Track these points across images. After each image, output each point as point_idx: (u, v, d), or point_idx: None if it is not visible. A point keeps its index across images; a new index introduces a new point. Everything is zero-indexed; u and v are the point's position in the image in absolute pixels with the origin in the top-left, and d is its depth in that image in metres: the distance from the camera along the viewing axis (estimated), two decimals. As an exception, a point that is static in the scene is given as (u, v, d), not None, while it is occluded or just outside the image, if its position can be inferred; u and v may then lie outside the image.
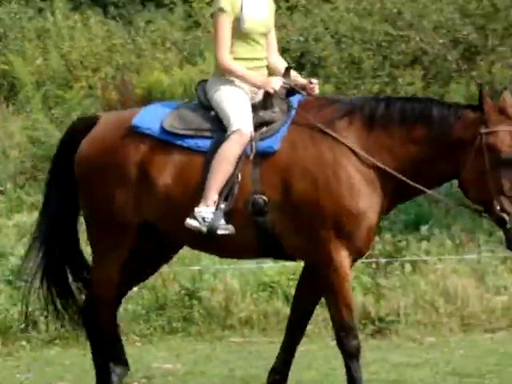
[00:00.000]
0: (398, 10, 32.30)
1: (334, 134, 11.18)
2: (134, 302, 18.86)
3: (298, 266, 17.05)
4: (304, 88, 11.71)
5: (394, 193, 11.32)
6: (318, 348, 16.41)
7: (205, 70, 28.98)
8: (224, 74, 11.62)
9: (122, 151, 11.75)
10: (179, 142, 11.49)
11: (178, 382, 15.13)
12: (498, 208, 10.87)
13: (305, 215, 11.26)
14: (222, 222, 11.23)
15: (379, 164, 11.14)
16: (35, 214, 16.16)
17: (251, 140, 11.28)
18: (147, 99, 25.41)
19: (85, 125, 12.38)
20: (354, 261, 11.53)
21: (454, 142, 11.07)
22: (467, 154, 10.99)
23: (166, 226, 11.73)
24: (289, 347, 12.07)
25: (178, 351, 16.71)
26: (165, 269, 17.31)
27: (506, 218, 10.85)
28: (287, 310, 17.42)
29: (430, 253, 19.55)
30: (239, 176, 11.26)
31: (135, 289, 17.03)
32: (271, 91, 11.44)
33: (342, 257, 11.21)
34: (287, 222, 11.26)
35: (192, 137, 11.50)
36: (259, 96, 11.57)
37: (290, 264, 17.33)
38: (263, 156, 11.31)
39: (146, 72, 28.91)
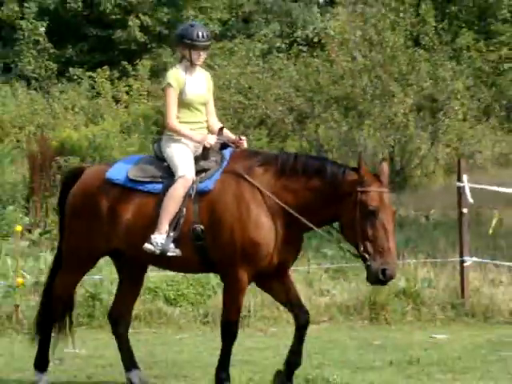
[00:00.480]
0: (249, 85, 32.54)
1: (250, 179, 11.11)
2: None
3: (176, 274, 17.17)
4: (234, 142, 11.61)
5: (294, 226, 11.12)
6: (188, 336, 16.44)
7: (104, 128, 28.80)
8: (173, 134, 11.52)
9: (98, 197, 11.65)
10: (140, 187, 11.43)
11: (83, 363, 14.63)
12: (362, 249, 10.75)
13: (224, 240, 11.15)
14: (172, 246, 11.15)
15: (282, 204, 11.02)
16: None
17: (193, 183, 11.22)
18: (60, 150, 25.18)
19: (75, 173, 12.34)
20: (261, 273, 11.38)
21: (339, 194, 10.89)
22: (346, 205, 10.83)
23: (132, 252, 11.63)
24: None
25: (84, 339, 16.46)
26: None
27: (367, 256, 10.71)
28: (167, 309, 17.63)
29: (272, 266, 19.71)
30: (184, 211, 11.14)
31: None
32: (208, 146, 11.33)
33: (243, 275, 11.19)
34: (216, 245, 11.15)
35: (150, 182, 11.44)
36: (200, 150, 11.44)
37: (169, 273, 17.33)
38: (201, 194, 11.20)
39: (59, 130, 28.70)
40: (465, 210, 17.24)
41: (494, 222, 19.77)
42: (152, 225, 11.20)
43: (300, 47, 35.05)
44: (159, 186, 11.36)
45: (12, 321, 17.00)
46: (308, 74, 32.29)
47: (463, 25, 36.60)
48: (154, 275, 18.17)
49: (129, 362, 12.23)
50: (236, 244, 11.02)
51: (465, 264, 17.74)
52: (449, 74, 31.87)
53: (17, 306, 17.01)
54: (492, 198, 22.50)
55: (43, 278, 17.35)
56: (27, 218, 21.29)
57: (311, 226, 11.06)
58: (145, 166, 11.60)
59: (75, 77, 34.83)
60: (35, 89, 34.03)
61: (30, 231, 20.57)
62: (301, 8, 40.84)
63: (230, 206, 11.10)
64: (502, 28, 36.99)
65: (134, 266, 12.10)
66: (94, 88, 33.73)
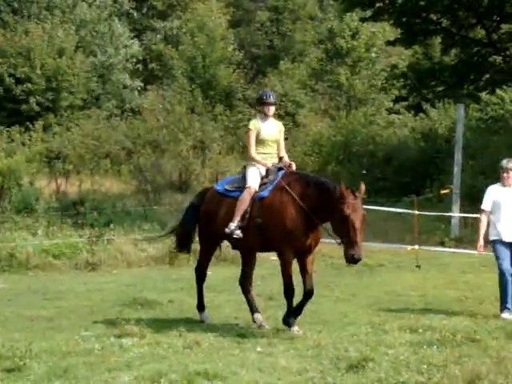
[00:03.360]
0: (99, 135, 32.31)
1: (289, 190, 10.15)
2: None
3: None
4: (287, 165, 10.67)
5: (312, 220, 10.00)
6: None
7: (16, 159, 27.79)
8: (251, 161, 10.73)
9: (212, 200, 10.87)
10: (230, 194, 10.64)
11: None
12: (341, 241, 9.69)
13: (274, 230, 10.17)
14: (237, 231, 10.33)
15: (304, 206, 9.97)
16: None
17: (256, 192, 10.45)
18: None
19: (206, 189, 11.60)
20: (297, 253, 10.26)
21: (332, 203, 9.73)
22: (334, 210, 9.67)
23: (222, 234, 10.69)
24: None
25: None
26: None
27: (344, 246, 9.60)
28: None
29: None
30: (249, 209, 10.36)
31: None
32: (268, 166, 10.56)
33: (288, 253, 10.15)
34: (271, 233, 10.21)
35: (233, 191, 10.66)
36: (264, 171, 10.62)
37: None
38: (261, 199, 10.35)
39: None
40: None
41: (447, 190, 20.10)
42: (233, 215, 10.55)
43: (128, 113, 35.21)
44: (239, 193, 10.61)
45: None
46: (133, 128, 32.25)
47: (217, 102, 37.36)
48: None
49: (254, 307, 10.93)
50: (279, 233, 10.11)
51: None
52: (211, 128, 32.34)
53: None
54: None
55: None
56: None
57: (318, 221, 10.08)
58: (234, 182, 10.95)
59: (-1, 131, 33.79)
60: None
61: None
62: (127, 93, 40.74)
63: (276, 207, 10.24)
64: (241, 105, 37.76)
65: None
66: (9, 137, 32.65)
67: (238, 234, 10.41)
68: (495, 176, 12.07)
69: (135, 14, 47.80)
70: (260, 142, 10.80)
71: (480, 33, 29.48)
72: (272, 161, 10.83)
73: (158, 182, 29.37)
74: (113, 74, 40.66)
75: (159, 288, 14.11)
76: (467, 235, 19.33)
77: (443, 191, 20.16)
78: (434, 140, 29.97)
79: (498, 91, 30.33)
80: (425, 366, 7.86)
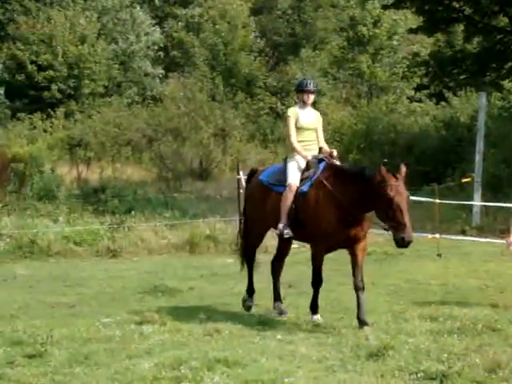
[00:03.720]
0: (120, 122, 32.40)
1: (327, 185, 9.80)
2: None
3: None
4: (328, 154, 10.39)
5: (352, 214, 9.61)
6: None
7: (37, 146, 28.10)
8: (291, 149, 10.42)
9: (255, 190, 10.78)
10: (274, 188, 10.34)
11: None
12: (389, 225, 9.29)
13: (311, 225, 9.91)
14: (286, 231, 10.11)
15: (343, 201, 9.58)
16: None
17: (298, 188, 10.09)
18: (13, 159, 24.23)
19: (254, 170, 11.23)
20: (343, 244, 9.98)
21: (373, 189, 9.41)
22: (377, 196, 9.35)
23: (273, 226, 10.48)
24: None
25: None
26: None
27: (392, 230, 9.26)
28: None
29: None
30: (293, 205, 10.05)
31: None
32: (308, 159, 10.20)
33: (320, 246, 9.97)
34: (310, 227, 9.90)
35: (277, 185, 10.33)
36: (304, 164, 10.26)
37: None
38: (301, 195, 10.00)
39: (12, 147, 27.36)
40: (241, 191, 16.69)
41: (469, 179, 19.89)
42: (279, 210, 10.27)
43: (149, 101, 35.20)
44: (282, 188, 10.29)
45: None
46: (154, 115, 32.28)
47: (238, 90, 37.33)
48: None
49: (277, 294, 10.80)
50: (315, 228, 9.81)
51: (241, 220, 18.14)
52: (232, 116, 32.39)
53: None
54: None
55: (4, 231, 17.11)
56: (-6, 198, 20.81)
57: (359, 213, 9.74)
58: (275, 174, 10.67)
59: (21, 118, 33.93)
60: (-2, 125, 33.20)
61: (-5, 205, 20.25)
62: (148, 80, 40.73)
63: (315, 202, 9.90)
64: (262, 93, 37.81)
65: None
66: (31, 124, 32.93)
67: (289, 233, 10.20)
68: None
69: (157, 1, 47.75)
70: (298, 129, 10.51)
71: (503, 21, 29.19)
72: (311, 148, 10.55)
73: (179, 169, 29.50)
74: (134, 62, 40.72)
75: (180, 275, 14.11)
76: (488, 224, 19.25)
77: (465, 180, 20.05)
78: (455, 128, 29.76)
79: (521, 79, 30.08)
80: (445, 355, 7.84)
